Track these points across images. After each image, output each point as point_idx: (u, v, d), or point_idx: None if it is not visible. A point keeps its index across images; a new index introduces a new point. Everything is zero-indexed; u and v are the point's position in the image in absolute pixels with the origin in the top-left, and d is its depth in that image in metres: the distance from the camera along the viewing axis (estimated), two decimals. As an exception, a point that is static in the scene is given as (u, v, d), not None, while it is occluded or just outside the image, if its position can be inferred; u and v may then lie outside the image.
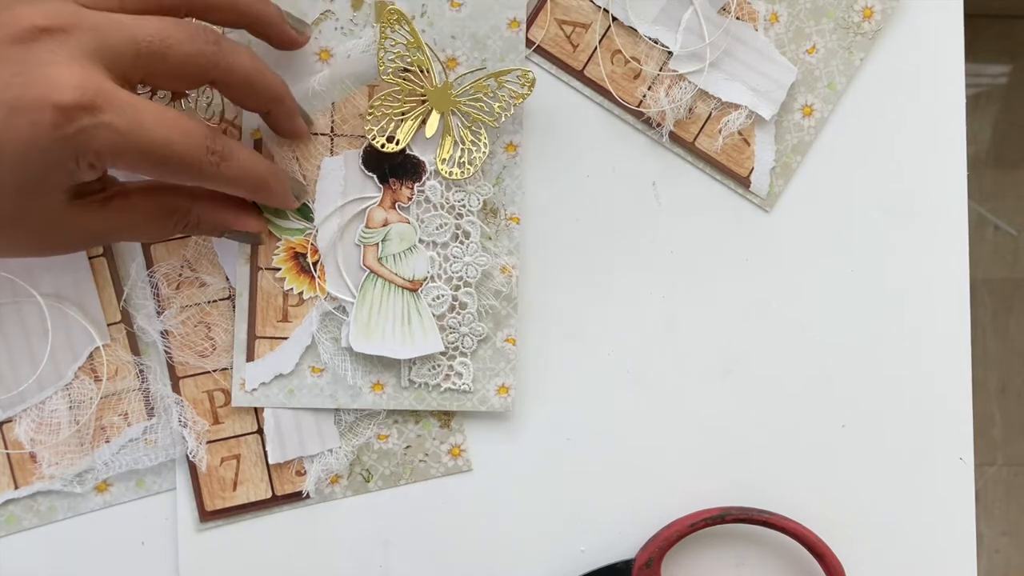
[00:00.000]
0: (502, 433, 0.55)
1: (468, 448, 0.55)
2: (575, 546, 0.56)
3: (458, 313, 0.53)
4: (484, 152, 0.52)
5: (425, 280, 0.52)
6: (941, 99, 0.57)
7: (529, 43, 0.54)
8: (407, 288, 0.52)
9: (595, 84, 0.55)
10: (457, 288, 0.53)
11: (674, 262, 0.56)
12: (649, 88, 0.55)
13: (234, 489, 0.53)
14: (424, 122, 0.52)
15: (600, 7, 0.54)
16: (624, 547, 0.56)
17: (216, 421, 0.53)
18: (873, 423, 0.58)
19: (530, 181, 0.55)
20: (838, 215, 0.57)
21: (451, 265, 0.53)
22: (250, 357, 0.52)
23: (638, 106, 0.55)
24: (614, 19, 0.54)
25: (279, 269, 0.52)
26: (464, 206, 0.53)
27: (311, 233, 0.52)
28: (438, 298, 0.52)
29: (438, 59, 0.52)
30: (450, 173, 0.52)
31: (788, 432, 0.57)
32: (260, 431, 0.53)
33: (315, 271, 0.52)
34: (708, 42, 0.54)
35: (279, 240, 0.52)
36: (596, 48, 0.54)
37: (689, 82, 0.55)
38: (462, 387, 0.53)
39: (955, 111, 0.57)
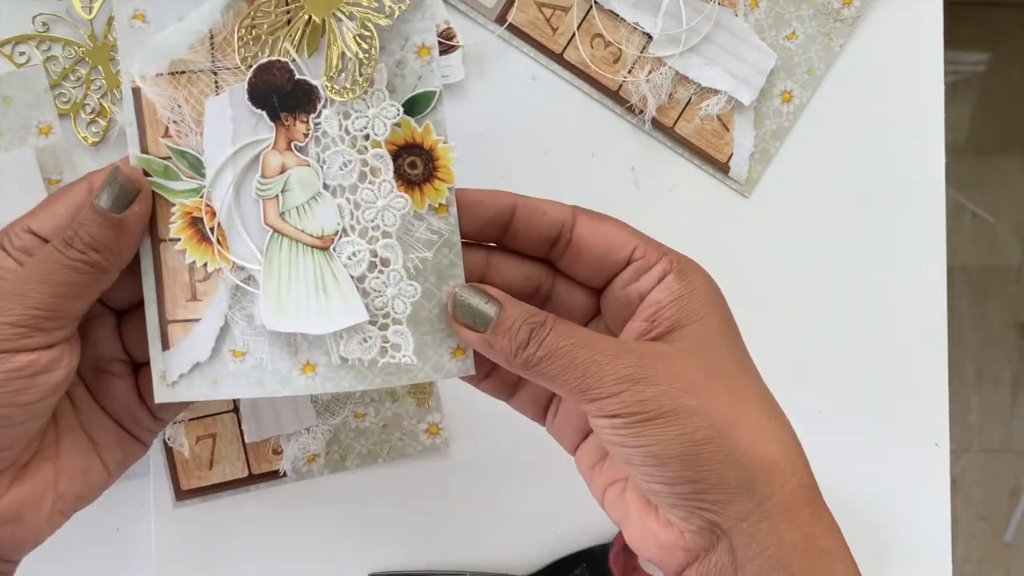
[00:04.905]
0: (480, 413, 0.55)
1: (445, 427, 0.55)
2: (552, 529, 0.56)
3: (380, 272, 0.42)
4: (375, 60, 0.41)
5: (336, 234, 0.41)
6: (920, 86, 0.58)
7: (507, 24, 0.54)
8: (317, 247, 0.42)
9: (574, 68, 0.55)
10: (375, 241, 0.42)
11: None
12: (629, 72, 0.55)
13: (210, 468, 0.53)
14: (304, 35, 0.41)
15: (581, -10, 0.54)
16: (602, 531, 0.56)
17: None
18: (850, 409, 0.58)
19: (513, 158, 0.55)
20: (816, 201, 0.57)
21: (363, 212, 0.41)
22: (166, 345, 0.43)
23: (617, 90, 0.55)
24: (595, 2, 0.54)
25: (179, 239, 0.42)
26: (368, 136, 0.41)
27: (206, 192, 0.42)
28: (353, 256, 0.41)
29: None
30: (340, 92, 0.41)
31: (764, 416, 0.58)
32: (236, 410, 0.53)
33: (215, 237, 0.42)
34: (687, 27, 0.54)
35: (174, 205, 0.42)
36: (576, 31, 0.54)
37: (669, 67, 0.55)
38: (402, 360, 0.41)
39: (934, 98, 0.58)
